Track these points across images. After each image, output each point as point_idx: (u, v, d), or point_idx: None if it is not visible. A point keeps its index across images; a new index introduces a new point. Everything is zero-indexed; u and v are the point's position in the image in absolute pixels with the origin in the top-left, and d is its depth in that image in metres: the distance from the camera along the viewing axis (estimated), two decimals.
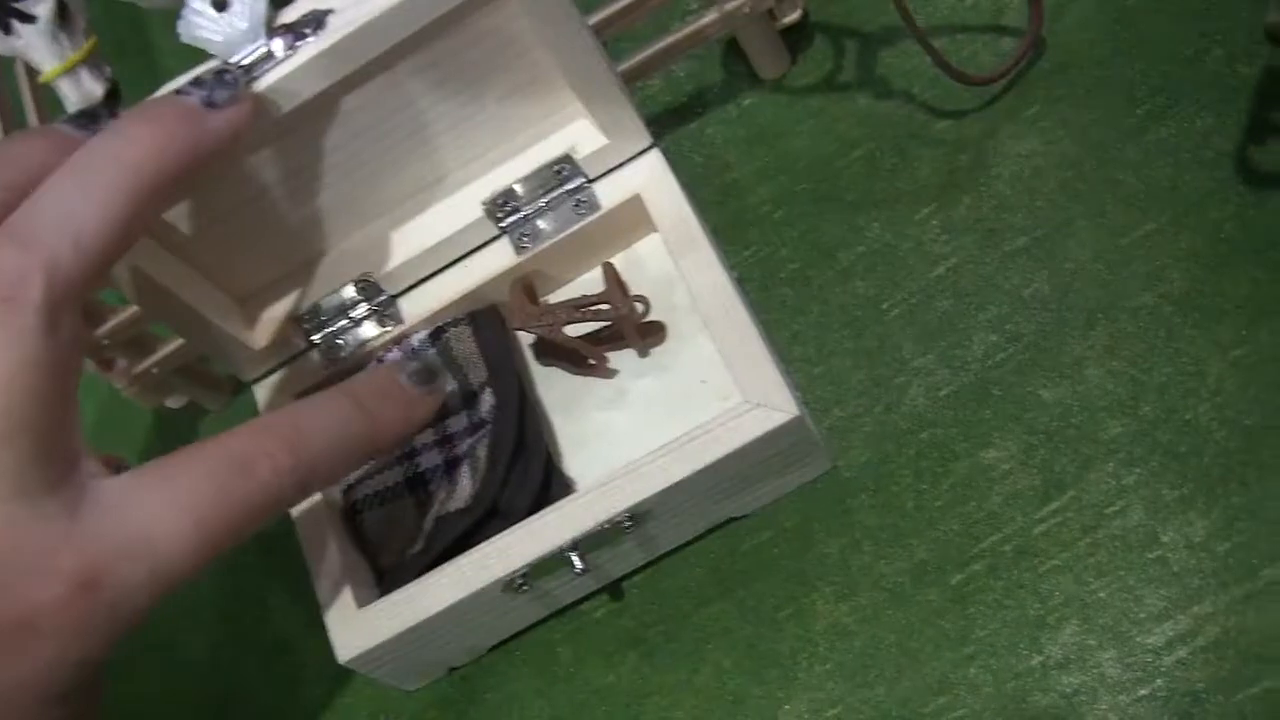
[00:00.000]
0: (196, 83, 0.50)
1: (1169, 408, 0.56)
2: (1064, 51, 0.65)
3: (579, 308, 0.62)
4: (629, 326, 0.61)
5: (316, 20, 0.52)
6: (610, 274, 0.62)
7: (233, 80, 0.51)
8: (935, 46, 0.62)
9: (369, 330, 0.65)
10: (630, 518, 0.55)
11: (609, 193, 0.62)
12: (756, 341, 0.56)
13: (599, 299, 0.61)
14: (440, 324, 0.64)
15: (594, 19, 0.62)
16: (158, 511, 0.46)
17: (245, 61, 0.52)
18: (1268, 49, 0.60)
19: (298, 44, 0.52)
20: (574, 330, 0.62)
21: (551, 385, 0.64)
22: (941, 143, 0.66)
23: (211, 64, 0.52)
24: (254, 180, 0.59)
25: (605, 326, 0.62)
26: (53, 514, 0.44)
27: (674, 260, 0.60)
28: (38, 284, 0.44)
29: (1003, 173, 0.64)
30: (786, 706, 0.57)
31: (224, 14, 0.52)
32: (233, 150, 0.53)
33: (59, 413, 0.45)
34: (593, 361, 0.63)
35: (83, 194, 0.46)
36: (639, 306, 0.60)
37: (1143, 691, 0.52)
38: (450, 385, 0.61)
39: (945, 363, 0.61)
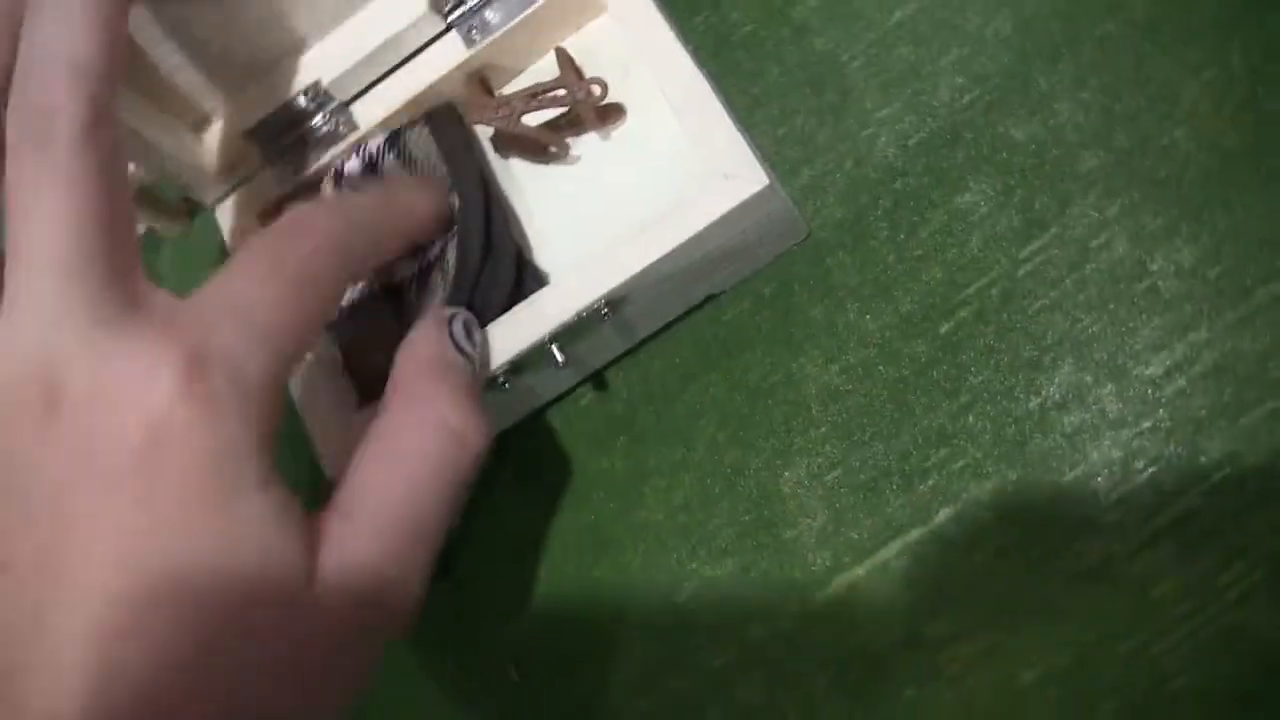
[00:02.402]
0: None
1: (1144, 135, 0.51)
2: None
3: (535, 95, 0.55)
4: (587, 110, 0.55)
5: None
6: (564, 59, 0.56)
7: None
8: None
9: (324, 140, 0.58)
10: (606, 304, 0.50)
11: None
12: (720, 114, 0.50)
13: (554, 84, 0.55)
14: (396, 127, 0.57)
15: None
16: (237, 285, 0.42)
17: None
18: None
19: None
20: (532, 119, 0.56)
21: (515, 178, 0.58)
22: None
23: None
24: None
25: (563, 113, 0.56)
26: (135, 327, 0.39)
27: (627, 39, 0.54)
28: (72, 103, 0.40)
29: None
30: (786, 474, 0.53)
31: None
32: None
33: (121, 228, 0.41)
34: (554, 149, 0.56)
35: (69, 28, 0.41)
36: (595, 89, 0.54)
37: (1145, 424, 0.48)
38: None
39: (912, 110, 0.54)
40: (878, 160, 0.54)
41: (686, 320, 0.56)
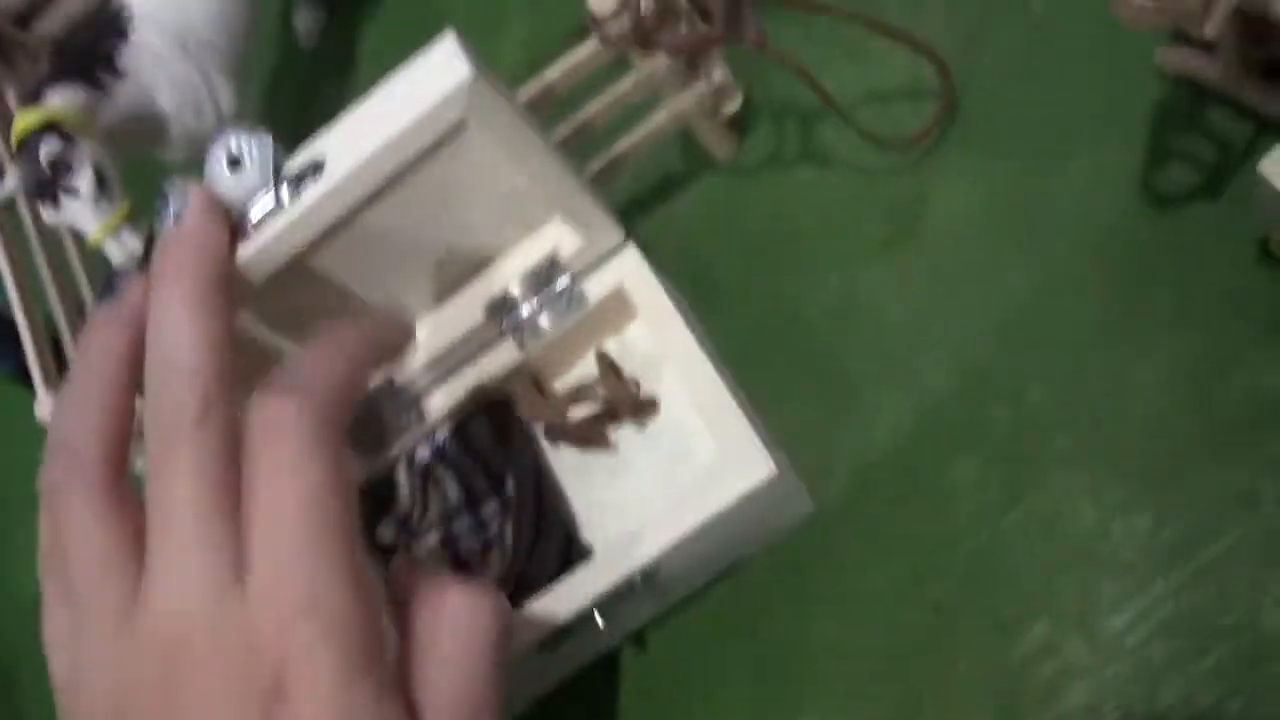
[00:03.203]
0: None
1: (1105, 417, 0.57)
2: (978, 106, 0.66)
3: (580, 393, 0.63)
4: (625, 407, 0.63)
5: (315, 167, 0.53)
6: (604, 363, 0.63)
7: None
8: (859, 117, 0.64)
9: (398, 429, 0.66)
10: (641, 576, 0.57)
11: (595, 288, 0.63)
12: (734, 410, 0.57)
13: (597, 384, 0.63)
14: (460, 419, 0.65)
15: (555, 138, 0.63)
16: (288, 571, 0.44)
17: (258, 216, 0.54)
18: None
19: (301, 190, 0.53)
20: (577, 412, 0.63)
21: (562, 461, 0.65)
22: (879, 201, 0.67)
23: None
24: (280, 306, 0.60)
25: (604, 408, 0.64)
26: (243, 597, 0.44)
27: (656, 341, 0.62)
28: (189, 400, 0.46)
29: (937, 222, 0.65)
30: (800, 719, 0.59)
31: (237, 173, 0.53)
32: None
33: (230, 498, 0.46)
34: (599, 442, 0.64)
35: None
36: (631, 389, 0.62)
37: (1111, 672, 0.54)
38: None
39: (905, 397, 0.62)
40: (876, 441, 0.62)
41: (711, 583, 0.63)
